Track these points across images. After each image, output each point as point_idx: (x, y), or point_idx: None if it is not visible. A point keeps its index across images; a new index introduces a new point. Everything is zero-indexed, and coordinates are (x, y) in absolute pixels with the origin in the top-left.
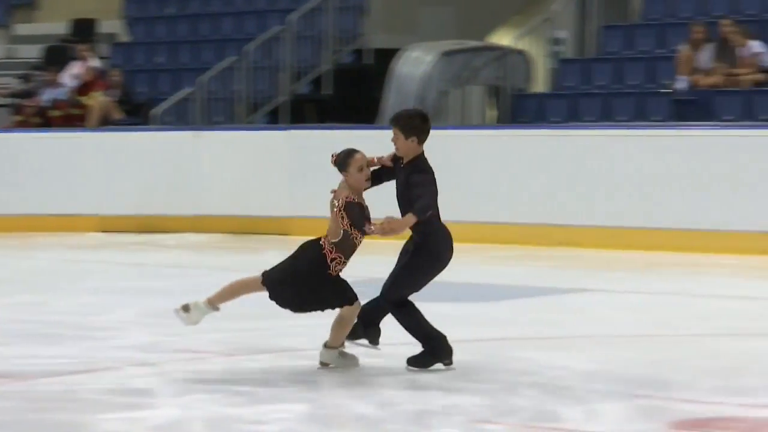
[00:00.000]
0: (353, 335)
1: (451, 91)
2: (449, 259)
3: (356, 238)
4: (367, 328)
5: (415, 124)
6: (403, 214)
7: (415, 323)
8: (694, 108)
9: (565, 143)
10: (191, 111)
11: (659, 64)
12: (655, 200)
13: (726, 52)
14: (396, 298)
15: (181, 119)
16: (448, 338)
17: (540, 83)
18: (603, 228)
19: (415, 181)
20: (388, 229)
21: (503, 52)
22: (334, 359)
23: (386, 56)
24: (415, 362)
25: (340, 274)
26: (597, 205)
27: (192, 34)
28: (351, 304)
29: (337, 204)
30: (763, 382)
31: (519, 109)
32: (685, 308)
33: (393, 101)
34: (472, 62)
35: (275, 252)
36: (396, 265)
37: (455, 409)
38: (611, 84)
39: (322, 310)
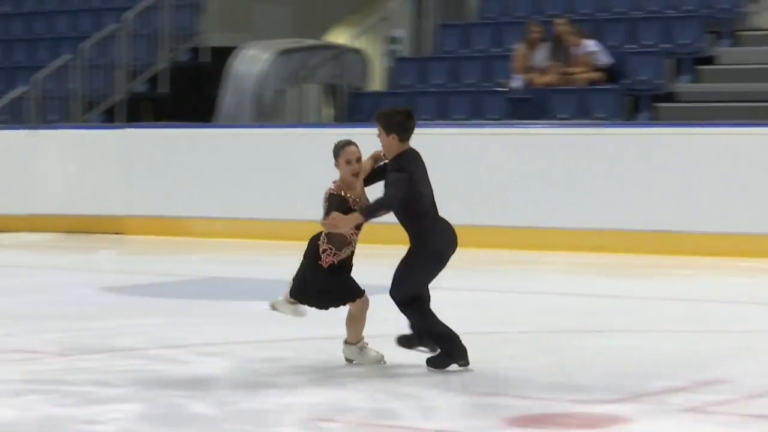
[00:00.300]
0: (408, 344)
1: (287, 89)
2: (449, 254)
3: (345, 231)
4: (421, 337)
5: (396, 121)
6: (399, 215)
7: (424, 322)
8: (530, 106)
9: None
10: (26, 110)
11: (495, 63)
12: (490, 198)
13: (561, 51)
14: (399, 297)
15: (15, 118)
16: (461, 338)
17: (377, 82)
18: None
19: (387, 180)
20: (330, 224)
21: (340, 51)
22: (355, 355)
23: (223, 54)
24: (433, 363)
25: (339, 265)
26: None
27: (27, 32)
28: (354, 300)
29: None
30: (594, 378)
31: (356, 107)
32: (521, 305)
33: (230, 100)
34: (309, 61)
35: (109, 251)
36: None
37: (293, 407)
38: (448, 83)
39: (335, 306)
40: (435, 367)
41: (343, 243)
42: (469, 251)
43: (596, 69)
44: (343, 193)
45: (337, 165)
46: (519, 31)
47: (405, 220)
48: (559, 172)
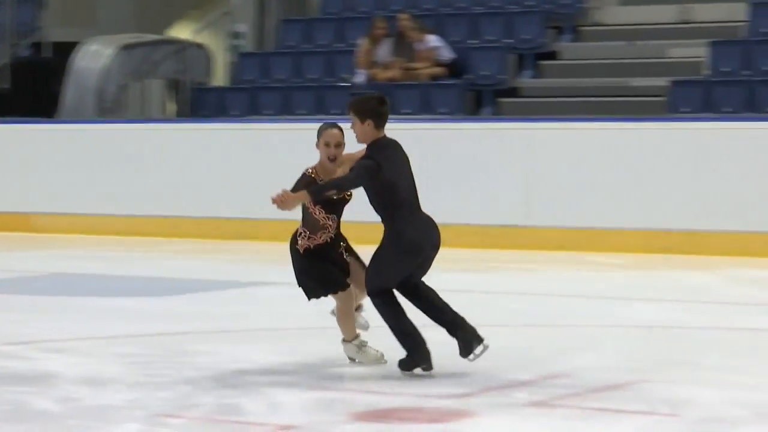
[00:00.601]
0: (466, 351)
1: (130, 84)
2: (424, 247)
3: (315, 213)
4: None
5: (370, 107)
6: (373, 206)
7: (389, 317)
8: None
9: (244, 136)
10: None
11: (338, 58)
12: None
13: (404, 46)
14: (369, 288)
15: None
16: (426, 343)
17: (220, 77)
18: (279, 221)
19: (353, 165)
20: (278, 200)
21: (182, 46)
22: (354, 353)
23: (65, 50)
24: (402, 365)
25: (315, 251)
26: None
27: None
28: (335, 292)
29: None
30: (441, 373)
31: (199, 102)
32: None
33: (72, 95)
34: (152, 56)
35: None
36: None
37: (137, 403)
38: (291, 78)
39: (315, 296)
40: (403, 369)
41: (317, 227)
42: None
43: (439, 64)
44: (314, 175)
45: (317, 146)
46: (362, 26)
47: (379, 209)
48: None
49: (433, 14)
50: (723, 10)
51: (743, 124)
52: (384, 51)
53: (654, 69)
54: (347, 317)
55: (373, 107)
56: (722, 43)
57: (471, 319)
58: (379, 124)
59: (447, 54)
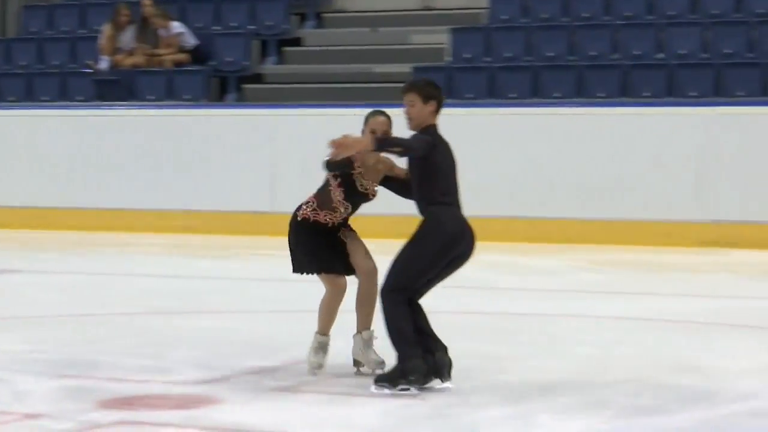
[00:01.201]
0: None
1: None
2: (460, 244)
3: (334, 192)
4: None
5: (435, 92)
6: (415, 192)
7: (397, 320)
8: (117, 88)
9: None
10: None
11: (81, 45)
12: (82, 179)
13: (148, 32)
14: (390, 282)
15: None
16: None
17: None
18: (28, 209)
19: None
20: (338, 142)
21: None
22: (312, 348)
23: None
24: (385, 379)
25: (313, 226)
26: (20, 185)
27: None
28: (318, 272)
29: None
30: (189, 359)
31: None
32: (115, 288)
33: None
34: None
35: None
36: None
37: None
38: (34, 64)
39: (299, 270)
40: (387, 383)
41: (327, 205)
42: (61, 233)
43: (183, 51)
44: (353, 159)
45: (363, 133)
46: (105, 12)
47: (423, 196)
48: (147, 154)
49: (176, 1)
50: None
51: (484, 111)
52: (127, 37)
53: (396, 55)
54: (329, 311)
55: (437, 93)
56: (464, 30)
57: (219, 306)
58: (437, 110)
59: (191, 40)
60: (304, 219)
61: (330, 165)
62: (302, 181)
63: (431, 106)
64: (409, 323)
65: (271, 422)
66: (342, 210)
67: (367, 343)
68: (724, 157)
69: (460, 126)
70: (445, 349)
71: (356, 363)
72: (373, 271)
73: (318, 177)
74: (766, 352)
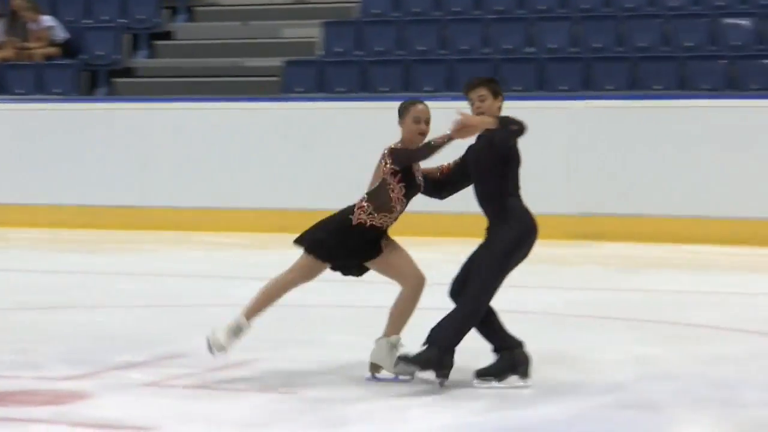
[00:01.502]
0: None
1: None
2: (534, 240)
3: (393, 190)
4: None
5: (500, 87)
6: (484, 184)
7: (459, 326)
8: None
9: None
10: None
11: None
12: None
13: (17, 26)
14: (478, 287)
15: None
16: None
17: None
18: None
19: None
20: (463, 119)
21: None
22: (226, 331)
23: None
24: (415, 360)
25: (367, 230)
26: None
27: None
28: (320, 259)
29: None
30: (58, 354)
31: None
32: None
33: None
34: None
35: None
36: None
37: None
38: None
39: (325, 255)
40: (419, 365)
41: (385, 205)
42: None
43: (53, 44)
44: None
45: (401, 124)
46: None
47: (498, 191)
48: (16, 148)
49: None
50: None
51: (356, 104)
52: None
53: (268, 49)
54: (277, 294)
55: (502, 90)
56: (335, 23)
57: (88, 301)
58: (501, 107)
59: (61, 34)
60: (359, 224)
61: (433, 148)
62: (173, 175)
63: (499, 101)
64: (477, 321)
65: (139, 417)
66: (398, 208)
67: (394, 348)
68: (595, 149)
69: (331, 119)
70: (521, 344)
71: (373, 367)
72: (424, 282)
73: (187, 171)
74: (634, 344)
